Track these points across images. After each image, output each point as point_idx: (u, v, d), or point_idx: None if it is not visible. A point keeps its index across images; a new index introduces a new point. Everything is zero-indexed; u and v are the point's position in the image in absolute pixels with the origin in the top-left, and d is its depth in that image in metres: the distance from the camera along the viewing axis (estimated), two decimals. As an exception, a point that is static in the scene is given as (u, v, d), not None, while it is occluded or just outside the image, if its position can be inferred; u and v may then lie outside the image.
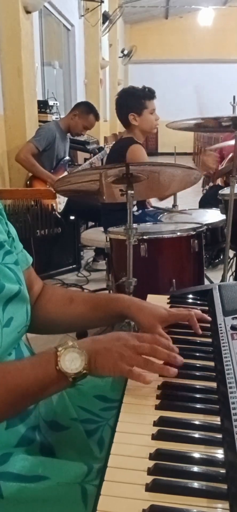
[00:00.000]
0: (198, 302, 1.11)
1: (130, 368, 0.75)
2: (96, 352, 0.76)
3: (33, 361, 0.79)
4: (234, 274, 2.77)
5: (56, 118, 4.66)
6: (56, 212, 3.55)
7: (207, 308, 1.05)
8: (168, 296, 1.14)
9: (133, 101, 2.76)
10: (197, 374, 0.79)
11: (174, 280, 1.92)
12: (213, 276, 2.80)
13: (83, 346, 0.76)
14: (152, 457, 0.60)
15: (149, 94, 2.78)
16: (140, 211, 2.84)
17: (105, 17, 8.89)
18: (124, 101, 2.81)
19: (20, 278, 0.90)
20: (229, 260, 2.68)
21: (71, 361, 0.74)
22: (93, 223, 4.01)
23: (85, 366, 0.74)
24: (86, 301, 1.05)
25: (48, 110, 4.54)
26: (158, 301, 1.12)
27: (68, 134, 3.96)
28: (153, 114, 2.80)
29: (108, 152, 3.61)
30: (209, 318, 0.99)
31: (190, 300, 1.14)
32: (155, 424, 0.67)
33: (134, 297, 1.05)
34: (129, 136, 2.82)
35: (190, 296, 1.16)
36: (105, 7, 8.76)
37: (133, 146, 2.69)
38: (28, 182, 3.74)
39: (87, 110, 3.83)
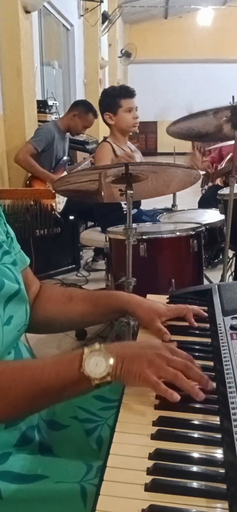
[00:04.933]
0: (198, 302, 1.11)
1: (157, 379, 0.71)
2: (124, 357, 0.73)
3: (56, 360, 0.78)
4: (233, 274, 2.77)
5: (55, 118, 4.66)
6: (55, 212, 3.55)
7: (206, 308, 1.05)
8: (168, 296, 1.14)
9: (108, 100, 2.76)
10: (197, 374, 0.79)
11: (173, 280, 1.92)
12: (213, 276, 2.80)
13: (111, 350, 0.73)
14: (151, 457, 0.60)
15: (124, 92, 2.74)
16: (136, 210, 2.85)
17: (105, 17, 8.88)
18: (101, 101, 2.82)
19: (18, 278, 0.90)
20: (228, 260, 2.68)
21: (96, 364, 0.71)
22: (93, 223, 4.01)
23: (110, 372, 0.71)
24: (85, 298, 1.05)
25: (47, 110, 4.53)
26: (158, 301, 1.12)
27: (68, 134, 3.96)
28: (131, 113, 2.76)
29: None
30: (206, 314, 0.99)
31: (189, 300, 1.14)
32: (154, 424, 0.67)
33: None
34: (109, 137, 2.85)
35: (190, 296, 1.16)
36: (104, 7, 8.75)
37: (99, 146, 2.78)
38: (27, 182, 3.74)
39: (85, 109, 3.83)
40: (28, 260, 1.03)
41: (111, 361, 0.72)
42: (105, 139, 2.87)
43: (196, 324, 0.96)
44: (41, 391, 0.73)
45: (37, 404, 0.76)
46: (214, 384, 0.76)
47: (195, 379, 0.74)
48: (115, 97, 2.73)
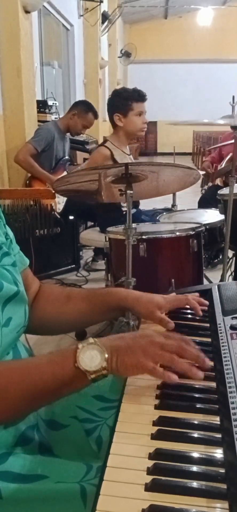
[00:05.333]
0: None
1: (154, 365, 0.72)
2: (118, 349, 0.73)
3: (52, 358, 0.77)
4: (233, 274, 2.77)
5: (55, 118, 4.66)
6: (55, 212, 3.55)
7: (206, 308, 1.05)
8: (168, 296, 1.14)
9: (119, 101, 2.75)
10: (197, 374, 0.79)
11: (173, 280, 1.92)
12: (212, 276, 2.80)
13: (105, 343, 0.73)
14: (151, 456, 0.60)
15: (136, 96, 2.74)
16: (135, 210, 2.85)
17: (104, 17, 8.89)
18: (111, 101, 2.81)
19: (17, 279, 0.90)
20: (228, 260, 2.68)
21: (91, 358, 0.71)
22: (92, 223, 4.01)
23: (105, 364, 0.71)
24: (83, 297, 1.05)
25: (47, 110, 4.53)
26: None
27: (68, 134, 3.96)
28: (141, 117, 2.76)
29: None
30: (207, 302, 1.00)
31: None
32: (155, 423, 0.67)
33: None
34: (107, 138, 2.84)
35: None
36: (104, 7, 8.76)
37: (97, 149, 2.74)
38: (27, 182, 3.74)
39: (85, 109, 3.83)
40: (27, 261, 1.03)
41: (106, 353, 0.72)
42: (105, 140, 2.85)
43: (201, 313, 0.97)
44: (38, 391, 0.73)
45: (35, 404, 0.76)
46: (214, 384, 0.76)
47: (192, 359, 0.75)
48: (127, 99, 2.72)
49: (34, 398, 0.73)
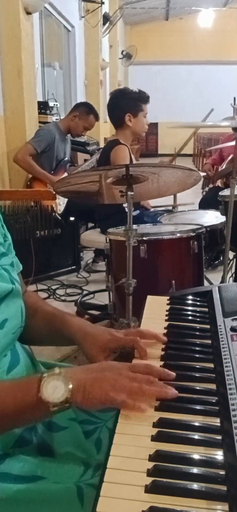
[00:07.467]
0: (198, 303, 1.11)
1: (124, 398, 0.69)
2: (85, 381, 0.70)
3: (14, 384, 0.75)
4: (233, 275, 2.77)
5: (56, 119, 4.66)
6: (56, 213, 3.55)
7: (206, 309, 1.05)
8: (168, 297, 1.14)
9: (130, 102, 2.79)
10: (197, 375, 0.79)
11: (173, 281, 1.92)
12: (213, 278, 2.80)
13: (71, 374, 0.71)
14: (151, 458, 0.60)
15: (145, 97, 2.83)
16: (138, 212, 2.85)
17: (106, 18, 8.89)
18: (120, 101, 2.82)
19: (14, 277, 0.90)
20: (228, 261, 2.68)
21: (54, 389, 0.68)
22: (93, 224, 4.01)
23: (69, 397, 0.68)
24: (44, 317, 1.02)
25: (48, 111, 4.54)
26: (158, 302, 1.12)
27: (69, 135, 3.97)
28: (145, 118, 2.86)
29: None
30: (164, 339, 0.89)
31: (189, 301, 1.14)
32: (155, 425, 0.67)
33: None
34: (115, 138, 2.85)
35: (190, 297, 1.16)
36: (105, 8, 8.76)
37: (117, 147, 2.73)
38: (28, 183, 3.74)
39: (87, 111, 3.84)
40: (21, 267, 1.03)
41: (70, 386, 0.69)
42: (116, 139, 2.82)
43: (162, 338, 0.89)
44: None
45: None
46: (214, 386, 0.76)
47: (158, 376, 0.74)
48: (138, 100, 2.80)
49: None
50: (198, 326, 0.98)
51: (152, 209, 3.20)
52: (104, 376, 0.72)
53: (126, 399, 0.69)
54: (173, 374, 0.75)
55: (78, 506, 0.71)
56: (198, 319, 1.01)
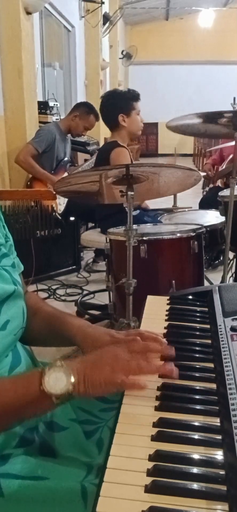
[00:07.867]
0: (198, 303, 1.11)
1: (123, 378, 0.72)
2: (85, 370, 0.73)
3: (16, 378, 0.77)
4: (234, 275, 2.77)
5: (56, 119, 4.66)
6: (56, 213, 3.55)
7: (206, 309, 1.05)
8: (168, 297, 1.14)
9: (121, 102, 2.78)
10: (197, 375, 0.79)
11: (173, 281, 1.92)
12: (213, 278, 2.80)
13: (71, 365, 0.73)
14: (151, 458, 0.60)
15: (135, 95, 2.81)
16: (138, 211, 2.85)
17: (106, 18, 8.89)
18: (112, 103, 2.82)
19: (16, 279, 0.90)
20: (228, 261, 2.68)
21: (56, 380, 0.70)
22: (93, 224, 4.01)
23: (71, 387, 0.70)
24: (44, 318, 1.02)
25: (48, 111, 4.54)
26: (158, 302, 1.12)
27: (69, 135, 3.97)
28: (139, 116, 2.83)
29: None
30: (165, 342, 0.87)
31: (189, 301, 1.14)
32: (155, 425, 0.67)
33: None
34: (113, 139, 2.84)
35: (190, 297, 1.16)
36: (105, 8, 8.76)
37: (117, 149, 2.72)
38: (28, 183, 3.74)
39: (87, 111, 3.84)
40: (22, 267, 1.03)
41: (72, 375, 0.71)
42: (116, 143, 2.78)
43: (161, 339, 0.86)
44: (0, 411, 0.72)
45: None
46: (214, 386, 0.76)
47: (157, 351, 0.79)
48: (128, 99, 2.78)
49: None
50: (198, 326, 0.98)
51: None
52: (102, 361, 0.75)
53: (125, 378, 0.71)
54: (172, 349, 0.80)
55: (82, 506, 0.71)
56: (198, 319, 1.01)
